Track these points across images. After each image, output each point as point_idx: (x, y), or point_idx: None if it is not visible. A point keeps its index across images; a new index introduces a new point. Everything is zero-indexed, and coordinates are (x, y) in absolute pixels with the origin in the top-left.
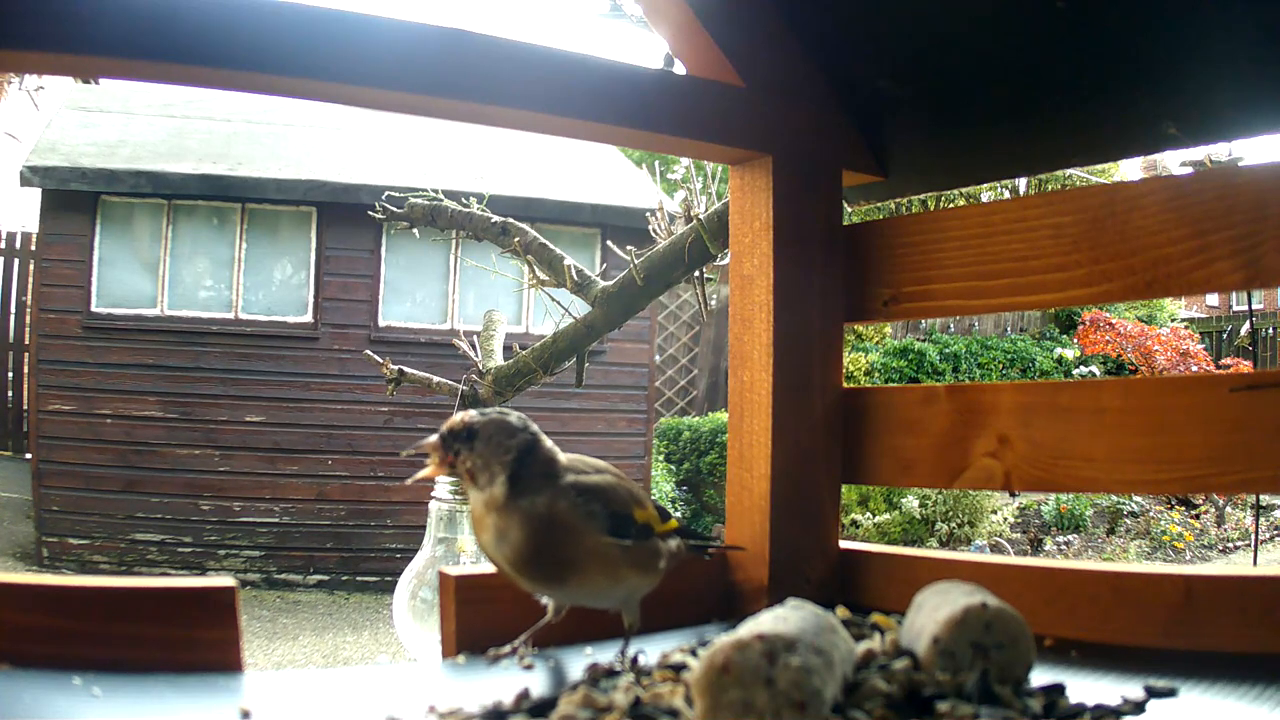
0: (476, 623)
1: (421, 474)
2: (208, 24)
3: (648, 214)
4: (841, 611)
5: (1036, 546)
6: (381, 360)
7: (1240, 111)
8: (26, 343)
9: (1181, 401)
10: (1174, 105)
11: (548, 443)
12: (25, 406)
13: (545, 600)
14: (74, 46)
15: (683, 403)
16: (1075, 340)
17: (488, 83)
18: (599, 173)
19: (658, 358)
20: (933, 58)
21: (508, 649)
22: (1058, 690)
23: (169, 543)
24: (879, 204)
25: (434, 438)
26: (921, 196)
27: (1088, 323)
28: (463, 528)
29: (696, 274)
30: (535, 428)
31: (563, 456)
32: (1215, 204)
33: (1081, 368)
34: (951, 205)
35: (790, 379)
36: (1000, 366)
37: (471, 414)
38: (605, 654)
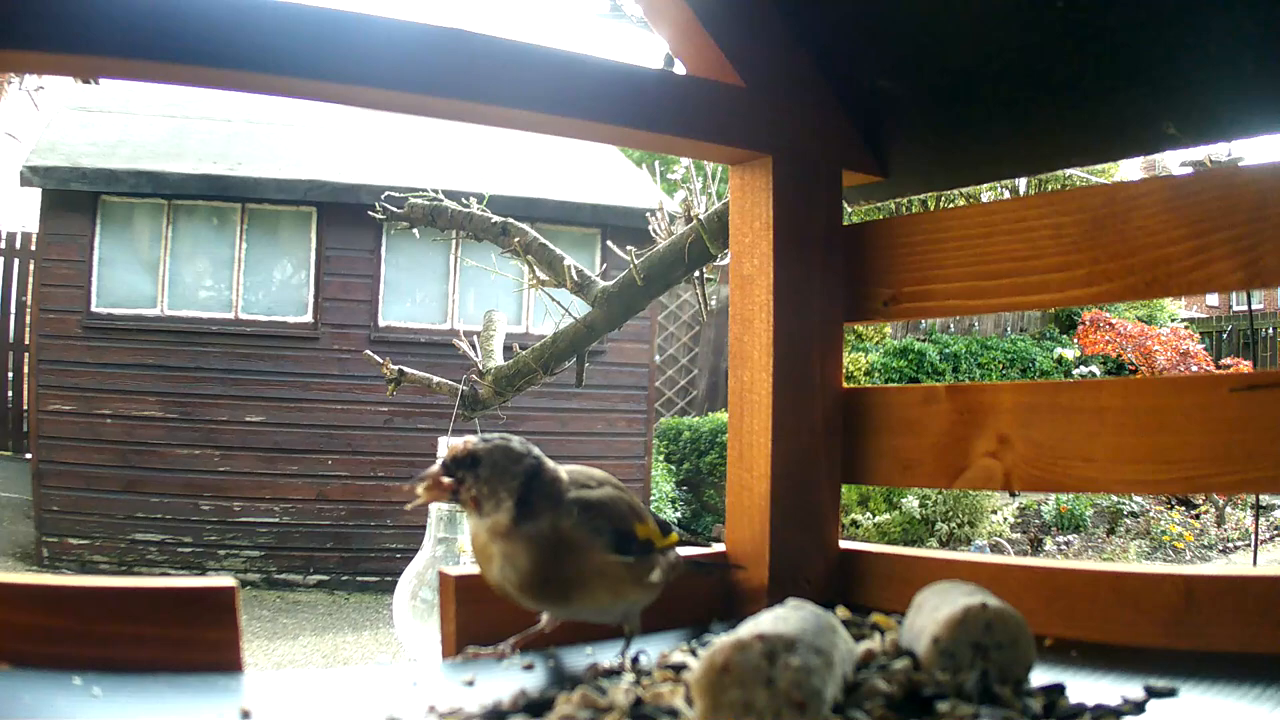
0: (476, 623)
1: (418, 501)
2: (208, 24)
3: (648, 214)
4: (841, 611)
5: (1036, 546)
6: (381, 360)
7: (1240, 111)
8: (26, 343)
9: (1181, 401)
10: (1174, 105)
11: (550, 464)
12: (25, 406)
13: (544, 615)
14: (74, 46)
15: (683, 403)
16: (1075, 340)
17: (488, 83)
18: (599, 173)
19: (658, 358)
20: (932, 57)
21: (489, 650)
22: (1058, 690)
23: (169, 543)
24: (879, 204)
25: (436, 466)
26: (921, 196)
27: (1088, 323)
28: (463, 528)
29: (696, 274)
30: (537, 451)
31: (564, 472)
32: (1215, 204)
33: (1081, 368)
34: (951, 205)
35: (790, 379)
36: (1000, 366)
37: (474, 440)
38: (605, 654)
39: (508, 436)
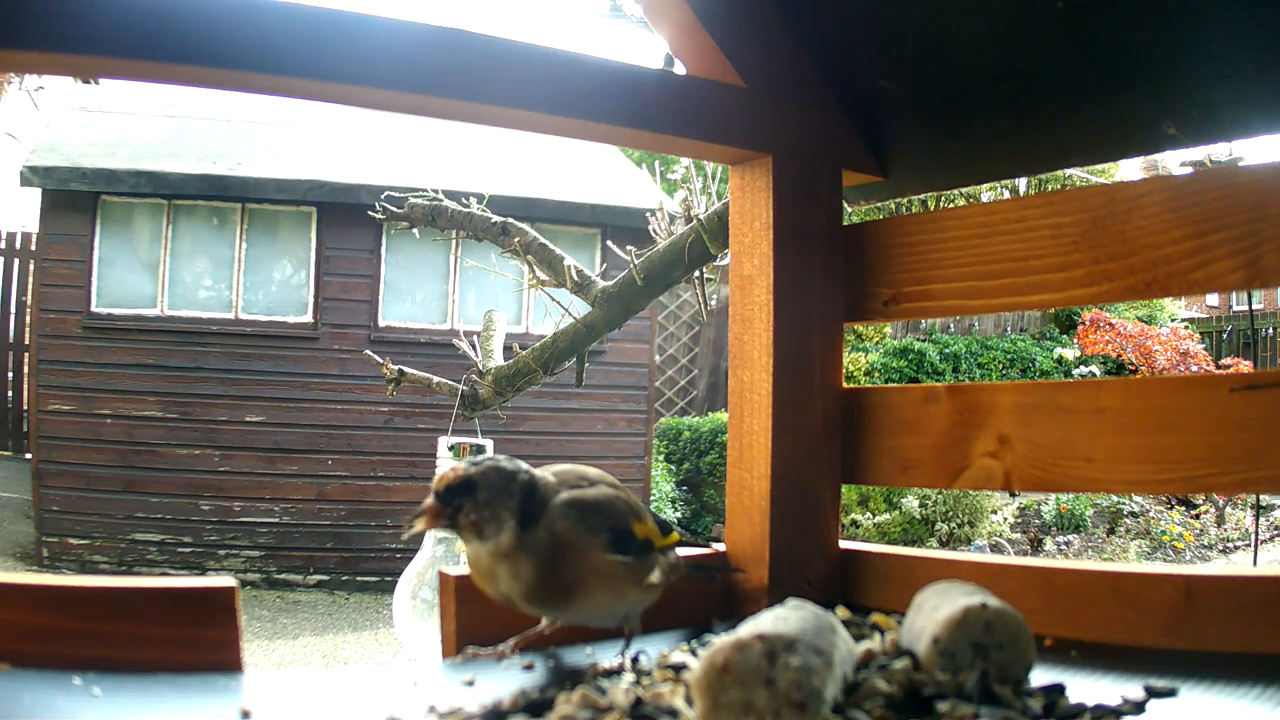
0: (476, 623)
1: (415, 531)
2: (208, 24)
3: (648, 214)
4: (841, 611)
5: (1036, 546)
6: (381, 360)
7: (1240, 111)
8: (26, 343)
9: (1181, 401)
10: (1174, 105)
11: (538, 473)
12: (25, 406)
13: (545, 619)
14: (74, 46)
15: (683, 403)
16: (1075, 340)
17: (488, 83)
18: (599, 173)
19: (658, 358)
20: (933, 58)
21: (489, 650)
22: (1058, 690)
23: (169, 543)
24: (879, 204)
25: (430, 499)
26: (921, 196)
27: (1088, 323)
28: None
29: (696, 274)
30: (524, 464)
31: (551, 474)
32: (1215, 204)
33: (1081, 368)
34: (951, 205)
35: (790, 379)
36: (1000, 366)
37: (464, 466)
38: (605, 654)
39: (494, 456)
